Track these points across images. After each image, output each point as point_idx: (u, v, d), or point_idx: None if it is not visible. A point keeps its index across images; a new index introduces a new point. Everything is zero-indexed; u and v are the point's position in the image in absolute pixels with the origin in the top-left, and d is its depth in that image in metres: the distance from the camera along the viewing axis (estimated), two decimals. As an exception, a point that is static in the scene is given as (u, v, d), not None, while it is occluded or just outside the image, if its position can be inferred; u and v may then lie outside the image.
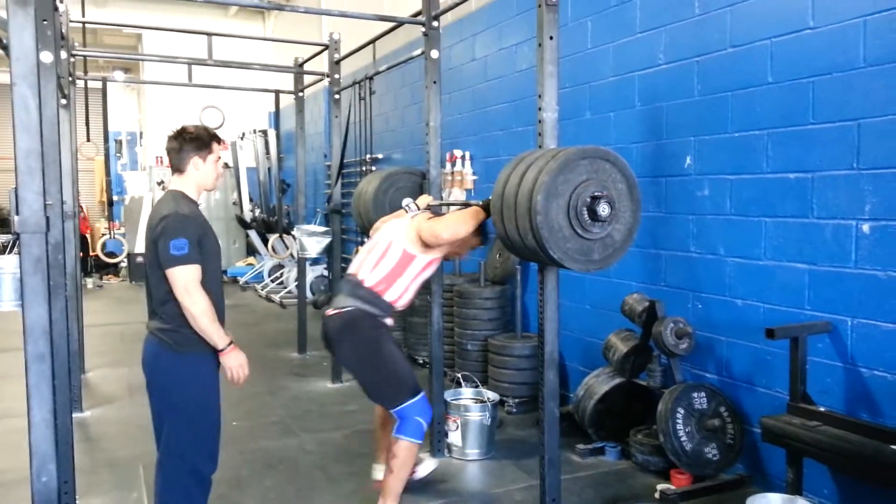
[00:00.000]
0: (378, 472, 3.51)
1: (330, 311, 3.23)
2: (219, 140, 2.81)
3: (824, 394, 3.14)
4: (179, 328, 2.61)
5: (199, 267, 2.57)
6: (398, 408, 3.11)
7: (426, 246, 3.15)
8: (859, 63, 2.96)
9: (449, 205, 3.53)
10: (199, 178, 2.75)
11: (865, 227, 2.97)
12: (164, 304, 2.62)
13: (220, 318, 2.68)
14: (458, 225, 3.09)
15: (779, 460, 3.25)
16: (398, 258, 3.16)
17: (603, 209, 2.56)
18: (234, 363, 2.67)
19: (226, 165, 12.28)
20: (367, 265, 3.21)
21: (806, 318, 3.21)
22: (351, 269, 3.29)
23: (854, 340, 3.04)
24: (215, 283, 2.72)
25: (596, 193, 2.56)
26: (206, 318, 2.56)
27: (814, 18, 3.15)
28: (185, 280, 2.53)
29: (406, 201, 3.63)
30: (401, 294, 3.19)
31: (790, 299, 3.30)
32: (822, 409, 3.03)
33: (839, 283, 3.08)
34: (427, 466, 3.64)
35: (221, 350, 2.64)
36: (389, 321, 3.25)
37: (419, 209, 3.48)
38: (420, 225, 3.17)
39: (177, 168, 2.73)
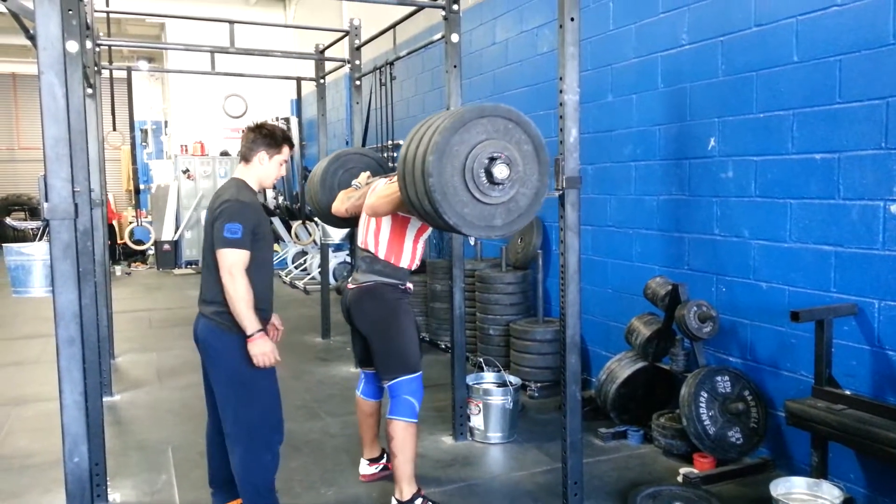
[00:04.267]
0: (364, 467, 3.55)
1: (350, 285, 3.26)
2: (291, 144, 2.96)
3: (850, 377, 3.10)
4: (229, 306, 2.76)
5: (247, 253, 2.71)
6: (392, 381, 3.12)
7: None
8: (888, 40, 2.90)
9: (388, 176, 3.39)
10: (261, 173, 2.91)
11: (894, 208, 2.92)
12: (221, 284, 2.74)
13: (269, 302, 2.87)
14: (374, 199, 3.12)
15: (803, 444, 3.22)
16: (391, 224, 3.17)
17: (500, 171, 2.39)
18: (257, 350, 2.73)
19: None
20: (370, 238, 3.23)
21: (832, 301, 3.17)
22: (360, 242, 3.31)
23: (881, 323, 3.00)
24: (268, 270, 2.90)
25: (494, 154, 2.40)
26: (243, 302, 2.69)
27: (841, -5, 3.08)
28: (231, 262, 2.67)
29: (353, 182, 3.58)
30: (411, 257, 3.22)
31: (816, 282, 3.25)
32: (847, 392, 3.00)
33: (866, 265, 3.04)
34: None
35: (249, 336, 2.72)
36: (410, 286, 3.28)
37: (361, 185, 3.48)
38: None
39: (244, 157, 2.90)
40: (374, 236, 3.21)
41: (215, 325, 2.78)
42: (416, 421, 3.12)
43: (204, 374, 2.95)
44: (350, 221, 3.62)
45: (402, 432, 3.08)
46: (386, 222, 3.18)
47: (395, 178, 3.07)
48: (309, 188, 3.94)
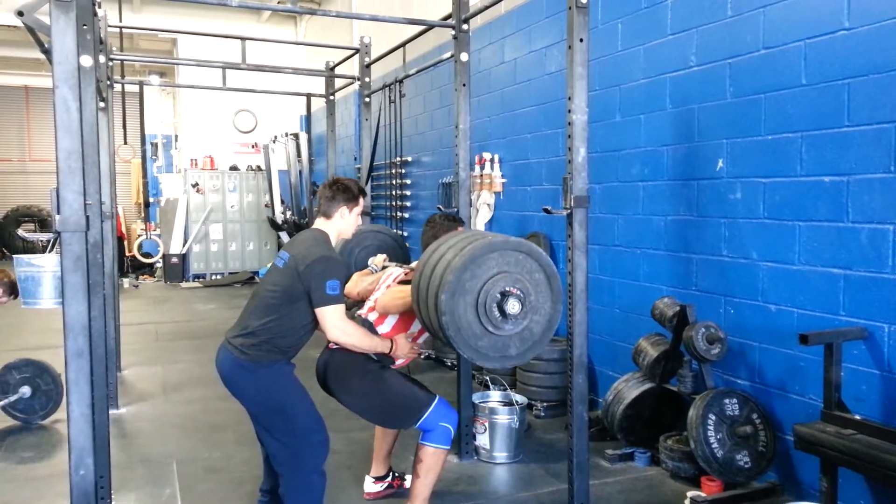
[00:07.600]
0: (369, 485, 3.52)
1: (332, 345, 3.13)
2: (364, 194, 3.13)
3: (860, 401, 3.08)
4: (262, 344, 2.82)
5: (344, 306, 2.85)
6: (419, 422, 3.01)
7: None
8: (897, 64, 2.91)
9: (404, 267, 3.43)
10: (342, 226, 3.05)
11: (903, 232, 2.91)
12: (270, 319, 2.82)
13: (297, 350, 2.94)
14: (388, 300, 3.11)
15: (812, 469, 3.19)
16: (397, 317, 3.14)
17: (512, 307, 2.41)
18: (403, 354, 3.03)
19: (258, 168, 12.46)
20: (375, 314, 3.17)
21: (841, 324, 3.15)
22: (362, 311, 3.25)
23: (891, 347, 2.97)
24: (313, 326, 2.95)
25: (505, 289, 2.41)
26: (365, 341, 2.90)
27: (849, 19, 3.09)
28: (337, 319, 2.80)
29: (370, 260, 3.64)
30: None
31: (824, 305, 3.24)
32: (857, 417, 2.97)
33: (875, 289, 3.02)
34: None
35: (389, 352, 2.96)
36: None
37: (377, 269, 3.53)
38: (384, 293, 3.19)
39: (325, 213, 3.04)
40: (381, 316, 3.16)
41: (239, 356, 2.81)
42: (448, 448, 3.05)
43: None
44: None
45: (433, 458, 3.03)
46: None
47: (410, 272, 3.12)
48: None
